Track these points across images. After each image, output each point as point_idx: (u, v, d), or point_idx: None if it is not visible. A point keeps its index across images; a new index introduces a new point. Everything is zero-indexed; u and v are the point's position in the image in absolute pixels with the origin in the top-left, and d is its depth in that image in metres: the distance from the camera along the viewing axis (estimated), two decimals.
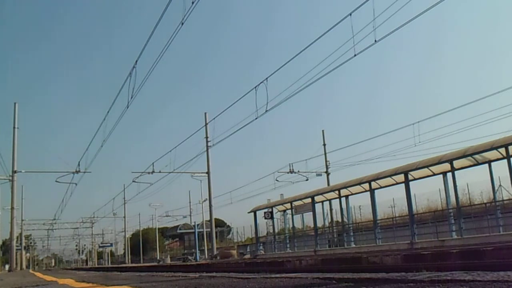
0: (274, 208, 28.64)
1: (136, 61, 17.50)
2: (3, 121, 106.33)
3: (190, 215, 49.53)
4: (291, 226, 28.70)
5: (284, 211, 28.87)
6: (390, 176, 19.68)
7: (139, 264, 47.02)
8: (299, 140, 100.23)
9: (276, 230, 35.63)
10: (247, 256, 29.12)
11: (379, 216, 22.24)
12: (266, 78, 18.48)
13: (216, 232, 37.78)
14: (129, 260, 63.94)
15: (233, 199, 39.28)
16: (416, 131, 23.55)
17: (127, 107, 20.16)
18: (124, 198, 52.82)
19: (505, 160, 14.74)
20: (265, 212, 28.33)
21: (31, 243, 79.98)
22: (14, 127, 29.96)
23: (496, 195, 17.97)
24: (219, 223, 57.14)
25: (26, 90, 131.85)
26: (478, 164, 17.08)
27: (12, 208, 30.07)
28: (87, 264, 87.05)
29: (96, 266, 61.62)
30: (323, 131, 34.69)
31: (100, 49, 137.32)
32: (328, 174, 33.63)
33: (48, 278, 11.60)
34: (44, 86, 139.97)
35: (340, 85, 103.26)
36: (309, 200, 24.80)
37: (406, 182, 18.56)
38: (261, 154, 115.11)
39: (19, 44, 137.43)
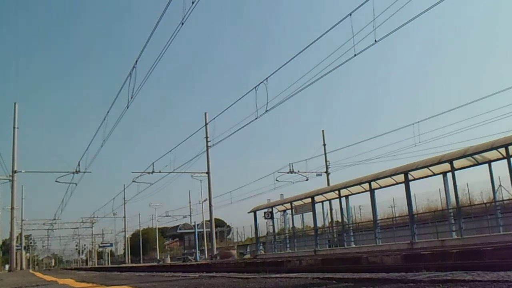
0: (274, 208, 28.64)
1: (136, 61, 17.48)
2: (3, 121, 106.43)
3: (190, 215, 49.63)
4: (291, 226, 28.70)
5: (284, 211, 28.86)
6: (390, 176, 19.68)
7: (139, 264, 47.04)
8: (299, 140, 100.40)
9: (276, 230, 35.65)
10: (247, 256, 29.16)
11: (379, 216, 22.23)
12: (266, 78, 18.47)
13: (216, 232, 37.84)
14: (129, 260, 63.93)
15: (233, 199, 39.30)
16: (416, 131, 23.58)
17: (127, 107, 20.17)
18: (124, 198, 52.89)
19: (505, 160, 14.73)
20: (265, 212, 28.32)
21: (31, 243, 79.90)
22: (14, 127, 29.99)
23: (496, 195, 17.96)
24: (219, 223, 57.20)
25: (27, 90, 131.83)
26: (478, 164, 17.07)
27: (12, 208, 30.09)
28: (87, 264, 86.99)
29: (96, 266, 61.59)
30: (323, 131, 34.73)
31: (100, 49, 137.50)
32: (328, 174, 33.62)
33: (48, 278, 11.60)
34: (44, 86, 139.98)
35: (340, 85, 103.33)
36: (309, 200, 24.79)
37: (406, 182, 18.56)
38: (261, 154, 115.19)
39: (20, 44, 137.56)
